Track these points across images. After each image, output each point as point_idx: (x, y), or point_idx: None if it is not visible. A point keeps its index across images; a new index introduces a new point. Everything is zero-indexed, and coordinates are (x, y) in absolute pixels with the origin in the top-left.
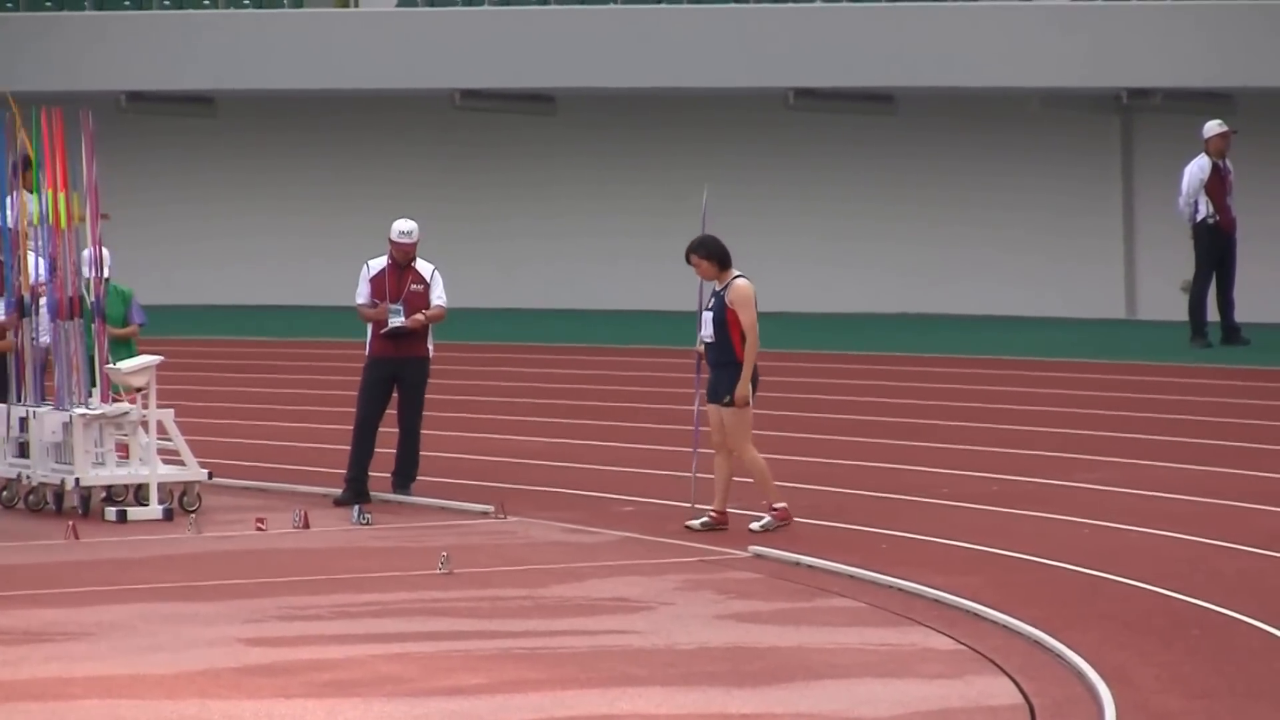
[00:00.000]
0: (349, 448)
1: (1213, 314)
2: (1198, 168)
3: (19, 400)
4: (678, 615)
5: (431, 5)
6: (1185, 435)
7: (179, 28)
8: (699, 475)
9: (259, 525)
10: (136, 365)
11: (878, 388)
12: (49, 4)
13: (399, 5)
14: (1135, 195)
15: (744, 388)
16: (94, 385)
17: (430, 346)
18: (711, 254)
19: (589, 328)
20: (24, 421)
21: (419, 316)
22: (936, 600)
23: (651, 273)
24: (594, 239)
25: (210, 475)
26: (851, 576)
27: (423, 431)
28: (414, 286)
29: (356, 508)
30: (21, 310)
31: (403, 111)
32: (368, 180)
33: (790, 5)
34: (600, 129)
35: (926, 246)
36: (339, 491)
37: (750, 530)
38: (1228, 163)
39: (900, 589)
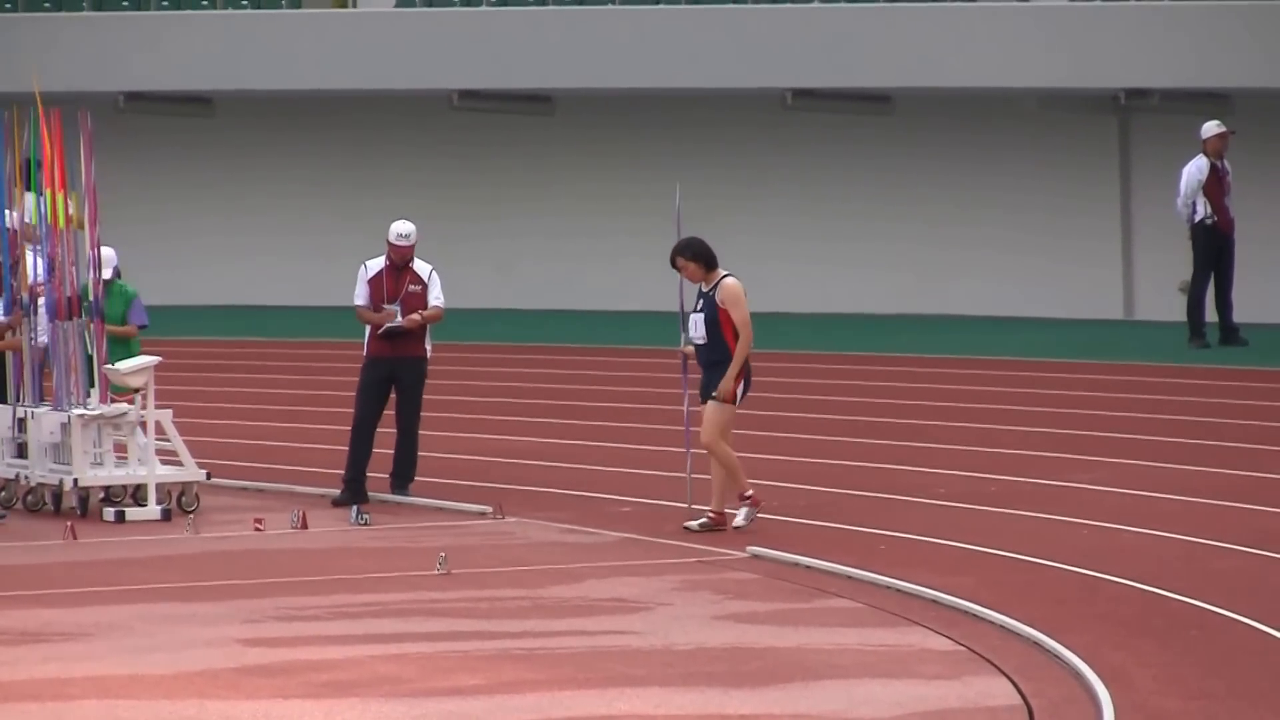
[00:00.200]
0: (347, 448)
1: (1211, 315)
2: (1195, 168)
3: (17, 400)
4: (676, 616)
5: (429, 6)
6: (1183, 436)
7: (177, 28)
8: (696, 476)
9: (257, 526)
10: (134, 366)
11: (875, 388)
12: (47, 4)
13: (397, 6)
14: (1133, 196)
15: (729, 383)
16: (92, 385)
17: (428, 347)
18: (698, 255)
19: (587, 328)
20: (22, 422)
21: (415, 316)
22: (934, 600)
23: (650, 273)
24: (592, 239)
25: (208, 476)
26: (849, 577)
27: (421, 432)
28: (412, 287)
29: (354, 508)
30: (20, 309)
31: (401, 112)
32: (365, 180)
33: (788, 6)
34: (598, 129)
35: (924, 247)
36: (337, 492)
37: (735, 528)
38: (1225, 163)
39: (898, 589)
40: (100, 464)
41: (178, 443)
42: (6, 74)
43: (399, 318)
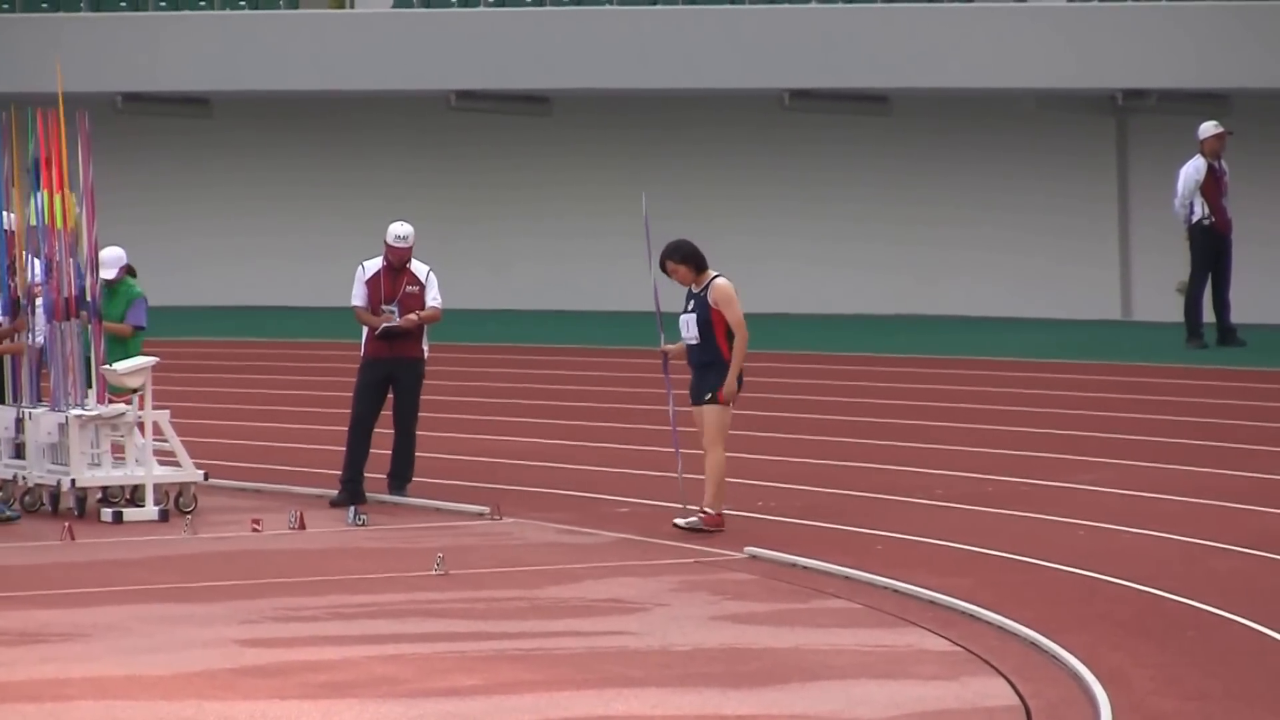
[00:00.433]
0: (344, 449)
1: (1209, 315)
2: (1193, 169)
3: (15, 401)
4: (673, 616)
5: (427, 6)
6: (1180, 436)
7: (175, 29)
8: (687, 476)
9: (254, 526)
10: (132, 366)
11: (872, 389)
12: (45, 5)
13: (394, 6)
14: (1130, 196)
15: (732, 384)
16: (90, 386)
17: (425, 347)
18: (687, 258)
19: (584, 329)
20: (20, 422)
21: (412, 316)
22: (931, 601)
23: (647, 274)
24: (589, 240)
25: (206, 476)
26: (846, 578)
27: (418, 432)
28: (409, 288)
29: (352, 509)
30: (18, 310)
31: (398, 112)
32: (363, 181)
33: (785, 7)
34: (595, 130)
35: (922, 247)
36: (335, 493)
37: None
38: (1223, 164)
39: (895, 590)
40: (98, 465)
41: (175, 443)
42: (5, 74)
43: (397, 318)
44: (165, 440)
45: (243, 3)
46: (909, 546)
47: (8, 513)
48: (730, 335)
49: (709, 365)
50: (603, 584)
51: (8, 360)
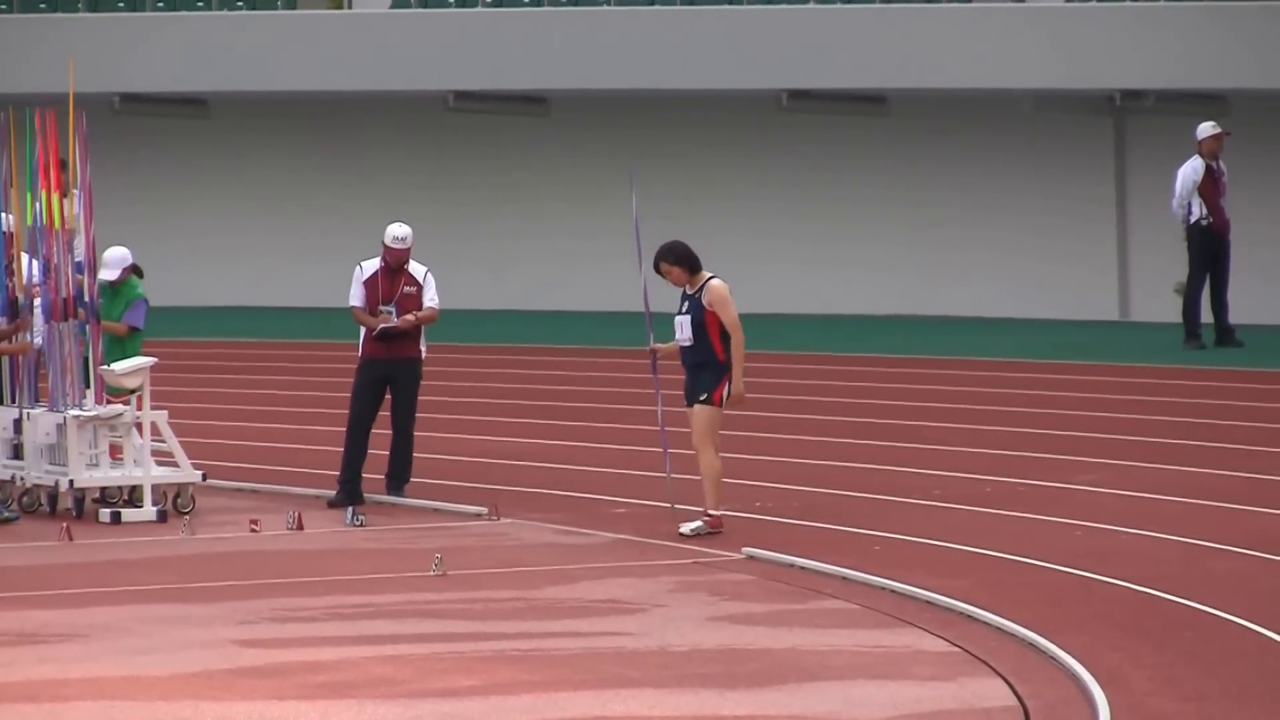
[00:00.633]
0: (342, 449)
1: (1206, 316)
2: (1191, 169)
3: (13, 401)
4: (671, 617)
5: (424, 7)
6: (1178, 437)
7: (172, 29)
8: (676, 476)
9: (252, 527)
10: (130, 367)
11: (869, 389)
12: (43, 5)
13: (392, 7)
14: (1128, 197)
15: (739, 385)
16: (88, 387)
17: (423, 348)
18: (681, 259)
19: (582, 329)
20: (18, 423)
21: (409, 317)
22: (929, 602)
23: (646, 274)
24: (587, 240)
25: (204, 477)
26: (844, 578)
27: (416, 433)
28: (407, 289)
29: (350, 509)
30: (16, 311)
31: (396, 113)
32: (361, 182)
33: (783, 7)
34: (593, 131)
35: (920, 248)
36: (333, 493)
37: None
38: (1221, 164)
39: (893, 590)
40: (96, 465)
41: (173, 444)
42: (5, 74)
43: (394, 319)
44: (163, 440)
45: (240, 3)
46: (907, 547)
47: (6, 513)
48: (724, 337)
49: (703, 366)
50: (600, 585)
51: (4, 361)
